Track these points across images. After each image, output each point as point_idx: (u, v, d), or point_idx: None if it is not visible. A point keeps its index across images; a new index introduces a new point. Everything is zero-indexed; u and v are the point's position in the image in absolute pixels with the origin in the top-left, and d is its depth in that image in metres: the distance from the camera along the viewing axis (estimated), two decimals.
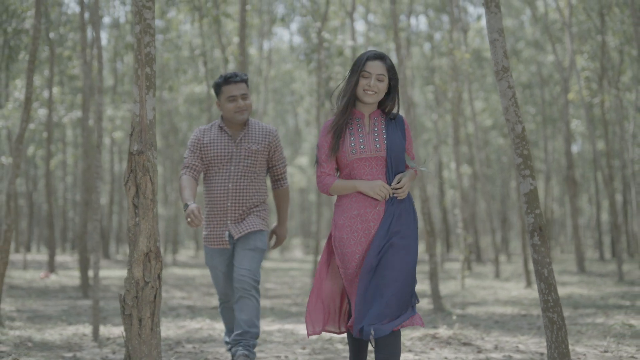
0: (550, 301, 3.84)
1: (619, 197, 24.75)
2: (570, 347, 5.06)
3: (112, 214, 22.28)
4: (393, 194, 3.39)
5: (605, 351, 4.91)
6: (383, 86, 3.44)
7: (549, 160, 23.58)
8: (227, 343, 4.40)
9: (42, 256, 22.22)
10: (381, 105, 3.54)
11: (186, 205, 3.99)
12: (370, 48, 18.55)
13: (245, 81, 4.23)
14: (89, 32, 14.28)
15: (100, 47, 6.01)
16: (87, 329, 6.36)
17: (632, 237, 22.16)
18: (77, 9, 20.68)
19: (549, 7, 17.92)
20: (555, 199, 30.71)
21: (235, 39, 16.60)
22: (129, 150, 3.84)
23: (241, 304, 4.04)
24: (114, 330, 6.32)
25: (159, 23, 18.65)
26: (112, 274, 14.72)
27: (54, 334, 6.02)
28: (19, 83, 15.75)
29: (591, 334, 5.73)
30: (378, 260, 3.29)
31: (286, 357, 4.92)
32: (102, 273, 14.64)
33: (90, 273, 11.92)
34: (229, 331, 4.43)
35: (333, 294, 3.50)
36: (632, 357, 4.66)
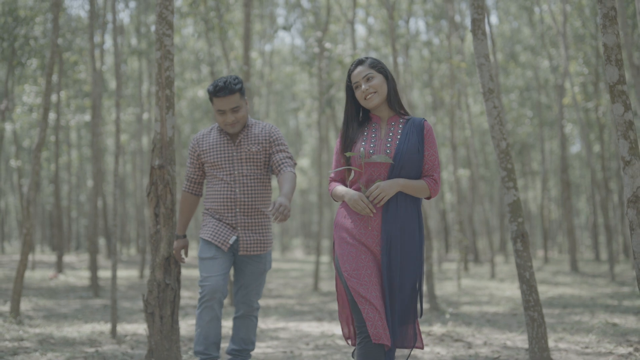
0: (531, 301, 4.26)
1: (615, 198, 25.14)
2: (554, 344, 5.47)
3: (116, 215, 22.64)
4: (376, 204, 3.21)
5: (586, 347, 5.32)
6: (377, 83, 3.32)
7: (546, 162, 23.96)
8: (197, 354, 3.94)
9: (47, 256, 22.62)
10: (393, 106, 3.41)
11: (176, 237, 4.12)
12: (371, 53, 18.94)
13: (238, 91, 3.93)
14: (96, 39, 14.69)
15: (119, 65, 6.40)
16: (102, 327, 6.76)
17: (626, 238, 22.54)
18: (82, 13, 21.13)
19: (544, 13, 18.31)
20: (553, 200, 31.12)
21: (237, 43, 17.04)
22: (150, 165, 4.25)
23: (242, 322, 4.05)
24: (128, 328, 6.72)
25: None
26: (119, 274, 15.12)
27: (72, 331, 6.42)
28: (27, 88, 16.14)
29: (575, 332, 6.14)
30: (388, 282, 3.20)
31: (292, 352, 5.33)
32: (108, 273, 15.05)
33: (100, 274, 12.36)
34: (204, 339, 3.91)
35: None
36: (610, 352, 5.06)
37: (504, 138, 4.34)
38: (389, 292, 3.18)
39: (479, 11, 4.36)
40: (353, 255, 3.18)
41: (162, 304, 4.11)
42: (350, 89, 3.39)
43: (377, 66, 3.36)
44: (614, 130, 2.71)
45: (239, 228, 3.95)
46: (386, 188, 3.18)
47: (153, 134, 4.27)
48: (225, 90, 3.88)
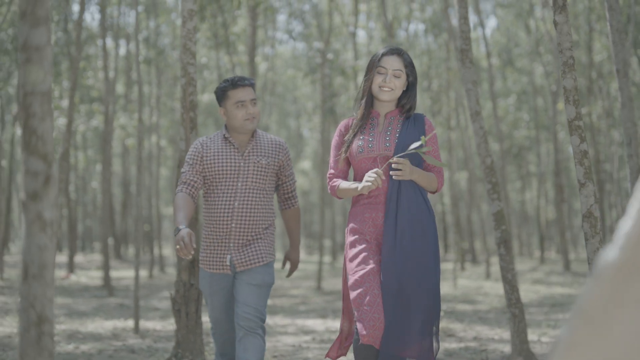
0: (513, 299, 4.82)
1: (614, 199, 25.69)
2: (537, 338, 6.03)
3: (128, 218, 23.26)
4: (392, 176, 3.10)
5: None
6: (400, 83, 3.23)
7: (543, 165, 24.52)
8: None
9: None
10: (399, 103, 3.33)
11: (177, 230, 3.52)
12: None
13: (253, 86, 3.80)
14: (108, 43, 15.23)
15: (142, 90, 6.94)
16: (123, 324, 7.32)
17: None
18: (87, 17, 21.69)
19: (539, 21, 18.88)
20: (551, 201, 31.68)
21: (241, 48, 17.60)
22: (176, 178, 4.81)
23: (245, 343, 3.58)
24: (148, 324, 7.28)
25: (164, 29, 19.62)
26: (129, 274, 15.68)
27: (97, 327, 6.99)
28: None
29: (558, 327, 6.70)
30: (398, 282, 3.07)
31: (300, 345, 5.89)
32: (118, 274, 15.62)
33: (112, 274, 12.95)
34: (221, 355, 3.94)
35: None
36: None
37: (489, 155, 4.90)
38: (401, 293, 3.05)
39: (466, 42, 4.91)
40: (361, 258, 3.11)
41: (187, 302, 4.67)
42: (373, 66, 3.27)
43: (410, 69, 3.28)
44: (574, 158, 3.15)
45: (231, 245, 3.68)
46: (409, 169, 3.08)
47: (179, 152, 4.83)
48: (244, 80, 3.76)
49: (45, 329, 1.51)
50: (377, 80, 3.22)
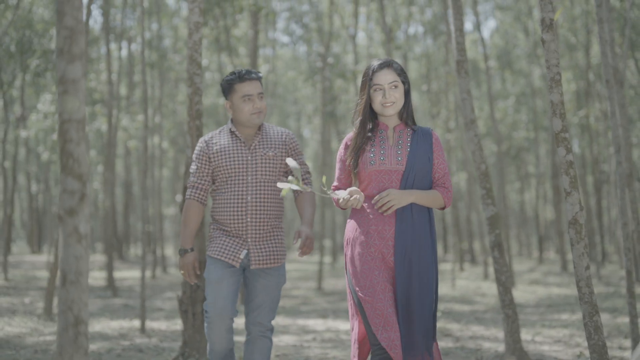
0: (506, 300, 5.02)
1: (612, 200, 25.89)
2: (531, 337, 6.23)
3: (129, 218, 23.47)
4: (382, 212, 3.14)
5: (558, 340, 6.07)
6: (399, 93, 3.23)
7: (541, 166, 24.72)
8: None
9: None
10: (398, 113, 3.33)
11: (183, 251, 3.58)
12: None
13: (260, 79, 3.71)
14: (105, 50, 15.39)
15: (146, 86, 7.13)
16: (128, 324, 7.51)
17: (618, 240, 23.24)
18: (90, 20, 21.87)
19: (537, 23, 19.07)
20: (550, 201, 31.87)
21: (242, 50, 17.79)
22: (183, 183, 5.01)
23: (253, 345, 3.60)
24: (153, 325, 7.48)
25: (166, 31, 19.81)
26: (131, 274, 15.86)
27: (103, 327, 7.18)
28: (43, 98, 16.87)
29: (552, 327, 6.90)
30: (405, 297, 3.10)
31: (301, 345, 6.08)
32: (120, 274, 15.81)
33: (114, 274, 13.17)
34: (217, 355, 3.62)
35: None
36: (578, 345, 5.82)
37: (484, 162, 5.09)
38: (407, 308, 3.09)
39: (462, 53, 5.10)
40: (366, 272, 3.10)
41: (194, 302, 4.86)
42: (368, 86, 3.26)
43: (402, 75, 3.28)
44: (561, 168, 3.28)
45: (249, 240, 3.60)
46: (397, 196, 3.12)
47: (185, 158, 5.02)
48: (251, 73, 3.67)
49: (81, 329, 1.70)
50: (377, 98, 3.22)
